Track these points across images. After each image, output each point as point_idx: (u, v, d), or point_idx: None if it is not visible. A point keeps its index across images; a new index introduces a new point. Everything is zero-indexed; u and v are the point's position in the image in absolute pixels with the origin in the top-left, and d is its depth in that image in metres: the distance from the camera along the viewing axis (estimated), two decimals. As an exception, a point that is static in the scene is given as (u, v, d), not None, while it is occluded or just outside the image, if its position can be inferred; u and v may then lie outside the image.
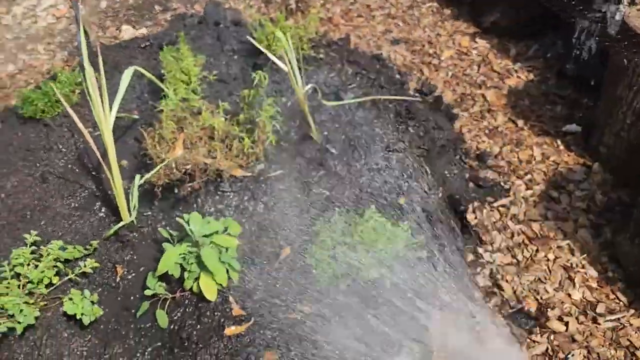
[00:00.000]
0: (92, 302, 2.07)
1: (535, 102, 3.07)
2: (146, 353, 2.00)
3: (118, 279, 2.21)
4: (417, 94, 3.07)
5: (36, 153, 2.64)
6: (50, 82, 2.78)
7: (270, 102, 2.34)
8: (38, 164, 2.60)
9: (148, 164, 2.42)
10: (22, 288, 2.07)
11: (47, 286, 2.09)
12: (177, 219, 2.10)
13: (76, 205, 2.47)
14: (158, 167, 2.26)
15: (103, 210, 2.44)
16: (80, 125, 2.15)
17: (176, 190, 2.36)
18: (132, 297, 2.16)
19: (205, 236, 2.03)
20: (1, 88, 3.22)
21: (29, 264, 2.11)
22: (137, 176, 2.30)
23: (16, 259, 2.10)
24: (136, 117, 2.70)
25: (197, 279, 2.04)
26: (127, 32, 3.74)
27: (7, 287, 2.04)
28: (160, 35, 3.11)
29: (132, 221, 2.30)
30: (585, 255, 2.34)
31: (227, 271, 2.06)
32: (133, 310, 2.12)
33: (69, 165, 2.60)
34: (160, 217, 2.38)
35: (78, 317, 2.01)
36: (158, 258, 2.21)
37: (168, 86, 2.56)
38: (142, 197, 2.35)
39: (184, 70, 2.65)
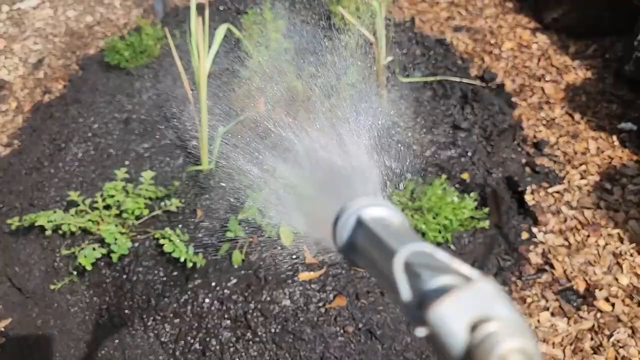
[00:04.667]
0: (185, 242, 2.19)
1: (591, 99, 3.16)
2: (225, 288, 2.15)
3: (197, 220, 2.37)
4: (478, 80, 3.18)
5: (120, 99, 2.80)
6: (136, 34, 2.93)
7: (352, 68, 2.47)
8: (122, 109, 2.76)
9: (226, 118, 2.56)
10: (115, 218, 2.23)
11: (136, 218, 2.25)
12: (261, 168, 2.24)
13: (157, 149, 2.62)
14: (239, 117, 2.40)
15: (182, 156, 2.60)
16: (180, 66, 2.29)
17: (254, 144, 2.51)
18: (209, 238, 2.32)
19: (288, 186, 2.17)
20: (80, 37, 3.37)
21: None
22: (221, 128, 2.44)
23: (108, 191, 2.26)
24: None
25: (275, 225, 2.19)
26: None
27: (100, 217, 2.21)
28: (237, 0, 3.24)
29: (211, 169, 2.45)
30: (634, 244, 2.45)
31: (304, 222, 2.20)
32: (211, 250, 2.27)
33: (151, 113, 2.75)
34: (237, 166, 2.52)
35: (181, 260, 2.11)
36: (234, 204, 2.37)
37: (250, 48, 2.70)
38: (221, 147, 2.50)
39: (265, 34, 2.79)
